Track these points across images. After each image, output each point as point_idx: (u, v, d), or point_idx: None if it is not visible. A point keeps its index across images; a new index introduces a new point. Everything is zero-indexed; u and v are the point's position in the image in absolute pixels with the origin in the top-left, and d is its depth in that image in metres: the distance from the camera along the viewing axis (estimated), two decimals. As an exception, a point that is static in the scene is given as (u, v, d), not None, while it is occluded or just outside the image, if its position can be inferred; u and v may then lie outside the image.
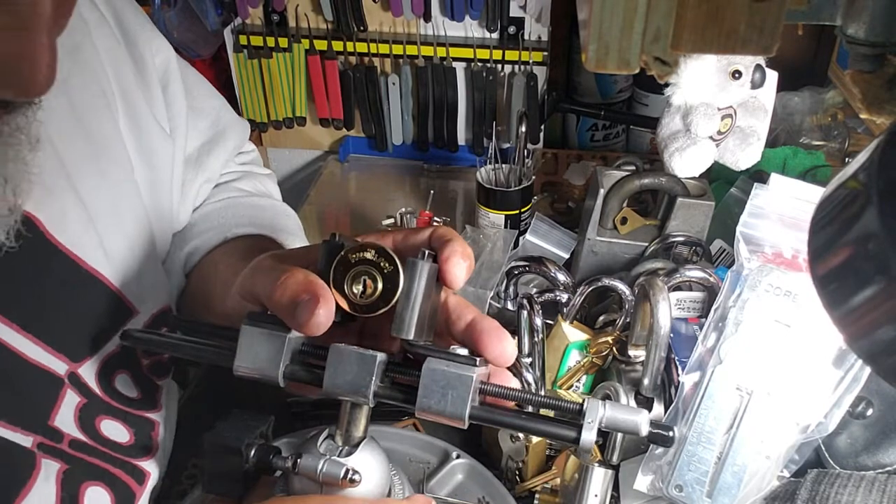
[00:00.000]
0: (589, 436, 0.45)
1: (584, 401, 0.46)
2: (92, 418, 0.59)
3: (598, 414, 0.46)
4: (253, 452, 0.50)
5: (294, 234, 0.79)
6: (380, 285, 0.48)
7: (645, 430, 0.46)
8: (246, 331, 0.48)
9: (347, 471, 0.47)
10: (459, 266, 0.49)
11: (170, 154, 0.72)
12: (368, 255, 0.48)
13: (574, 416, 0.46)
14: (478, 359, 0.47)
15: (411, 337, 0.47)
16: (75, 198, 0.58)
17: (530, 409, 0.50)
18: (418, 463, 0.72)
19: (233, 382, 0.52)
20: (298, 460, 0.48)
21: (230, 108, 0.85)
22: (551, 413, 0.49)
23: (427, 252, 0.47)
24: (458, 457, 0.71)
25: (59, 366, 0.57)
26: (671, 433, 0.46)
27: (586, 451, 0.46)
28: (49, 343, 0.56)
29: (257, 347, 0.48)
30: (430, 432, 0.76)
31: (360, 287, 0.48)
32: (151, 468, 0.64)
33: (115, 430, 0.61)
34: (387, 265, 0.47)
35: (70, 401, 0.58)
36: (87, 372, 0.59)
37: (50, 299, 0.56)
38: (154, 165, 0.69)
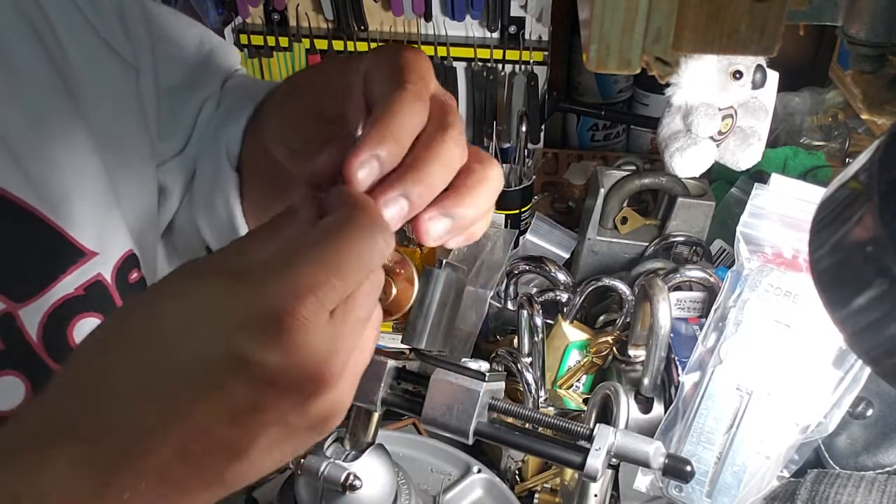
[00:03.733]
0: (594, 463, 0.44)
1: (595, 427, 0.45)
2: None
3: (608, 441, 0.44)
4: None
5: None
6: (394, 291, 0.48)
7: (657, 462, 0.44)
8: None
9: (349, 475, 0.47)
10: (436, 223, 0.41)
11: (132, 83, 0.66)
12: (384, 261, 0.48)
13: (584, 440, 0.45)
14: (488, 374, 0.46)
15: (423, 346, 0.46)
16: None
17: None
18: (439, 473, 0.72)
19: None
20: (302, 461, 0.48)
21: (212, 33, 0.79)
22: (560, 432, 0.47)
23: (445, 261, 0.46)
24: (479, 471, 0.70)
25: None
26: (689, 467, 0.43)
27: (591, 477, 0.44)
28: None
29: None
30: (453, 441, 0.74)
31: None
32: None
33: (4, 391, 0.56)
34: (402, 272, 0.47)
35: None
36: (31, 314, 0.56)
37: None
38: (114, 100, 0.64)
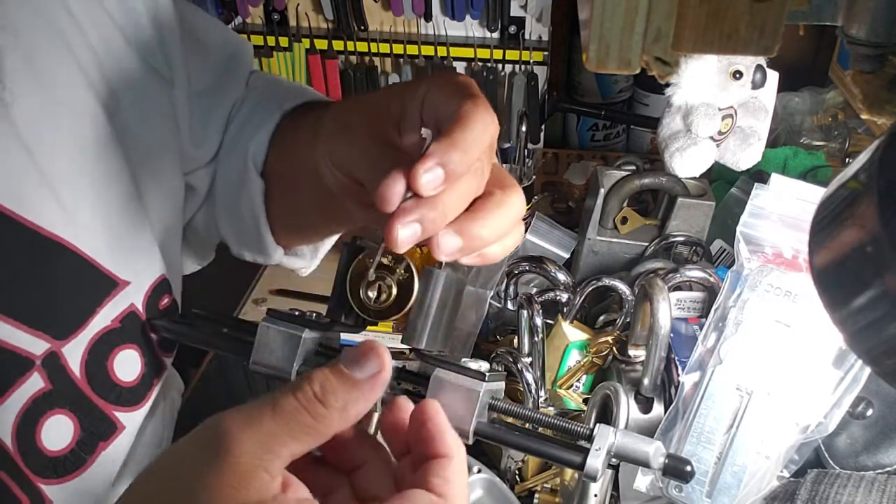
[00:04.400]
0: (594, 463, 0.44)
1: (595, 427, 0.45)
2: (39, 414, 0.55)
3: (608, 441, 0.44)
4: None
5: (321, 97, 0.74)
6: (395, 292, 0.48)
7: (657, 462, 0.43)
8: (263, 328, 0.49)
9: None
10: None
11: (166, 97, 0.66)
12: (385, 261, 0.48)
13: (584, 440, 0.45)
14: (488, 374, 0.46)
15: (422, 346, 0.47)
16: (27, 160, 0.53)
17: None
18: None
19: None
20: None
21: (231, 31, 0.78)
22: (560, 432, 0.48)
23: (444, 263, 0.46)
24: (479, 471, 0.70)
25: (37, 346, 0.54)
26: (689, 467, 0.43)
27: (591, 477, 0.44)
28: (24, 321, 0.53)
29: (273, 346, 0.48)
30: None
31: (376, 292, 0.48)
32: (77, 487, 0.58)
33: (56, 431, 0.56)
34: (402, 272, 0.47)
35: (26, 389, 0.54)
36: (73, 350, 0.56)
37: (13, 273, 0.53)
38: (146, 113, 0.63)
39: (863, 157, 0.33)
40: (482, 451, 0.83)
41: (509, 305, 0.98)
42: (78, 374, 0.57)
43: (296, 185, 0.66)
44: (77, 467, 0.58)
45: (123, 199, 0.60)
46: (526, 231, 1.13)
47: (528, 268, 0.94)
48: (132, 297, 0.60)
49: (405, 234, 0.41)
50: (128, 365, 0.60)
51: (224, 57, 0.74)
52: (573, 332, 0.88)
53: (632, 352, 0.83)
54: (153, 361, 0.63)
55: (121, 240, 0.60)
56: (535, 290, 0.97)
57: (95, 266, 0.57)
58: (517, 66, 1.46)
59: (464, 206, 0.44)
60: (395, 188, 0.42)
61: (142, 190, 0.62)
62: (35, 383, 0.54)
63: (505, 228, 0.46)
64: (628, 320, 0.86)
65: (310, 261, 0.79)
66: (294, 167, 0.65)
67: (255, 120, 0.70)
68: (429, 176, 0.41)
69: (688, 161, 0.91)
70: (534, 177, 1.17)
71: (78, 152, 0.57)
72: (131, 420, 0.61)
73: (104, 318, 0.58)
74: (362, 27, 1.47)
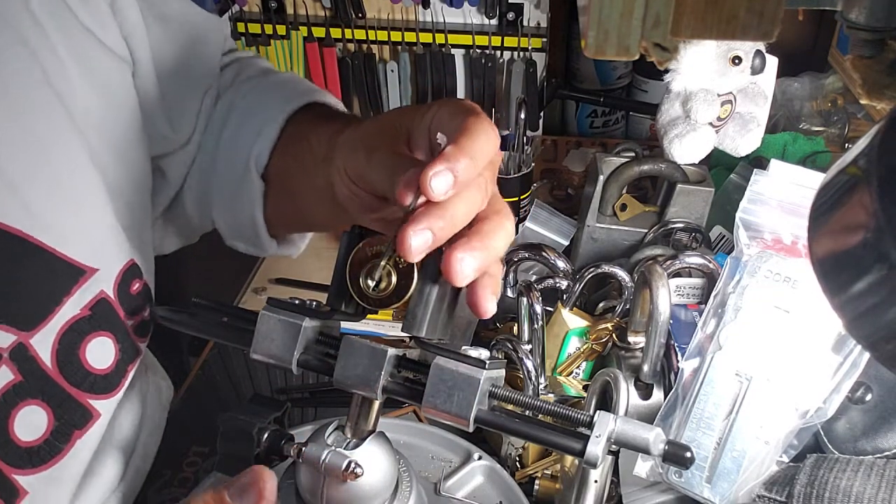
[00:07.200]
0: (595, 449, 0.44)
1: (595, 414, 0.45)
2: (11, 406, 0.56)
3: (608, 428, 0.44)
4: (265, 437, 0.50)
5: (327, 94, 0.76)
6: (394, 280, 0.48)
7: (657, 448, 0.44)
8: (264, 317, 0.49)
9: (350, 463, 0.47)
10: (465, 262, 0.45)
11: (129, 81, 0.66)
12: (385, 249, 0.48)
13: (584, 427, 0.45)
14: (488, 361, 0.46)
15: (423, 334, 0.47)
16: None
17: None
18: (440, 460, 0.72)
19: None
20: (304, 449, 0.48)
21: (196, 6, 0.76)
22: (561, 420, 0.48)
23: (443, 251, 0.46)
24: (479, 458, 0.71)
25: (4, 338, 0.54)
26: (688, 453, 0.43)
27: (591, 464, 0.44)
28: None
29: (273, 334, 0.49)
30: (453, 429, 0.74)
31: (375, 281, 0.48)
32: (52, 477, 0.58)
33: (29, 422, 0.57)
34: (403, 260, 0.47)
35: None
36: (42, 341, 0.57)
37: None
38: (108, 99, 0.64)
39: (862, 143, 0.33)
40: (483, 438, 0.84)
41: (509, 293, 0.98)
42: (49, 364, 0.57)
43: (299, 190, 0.68)
44: (52, 456, 0.58)
45: (86, 189, 0.61)
46: (525, 218, 1.13)
47: (527, 255, 0.94)
48: (101, 283, 0.61)
49: (418, 242, 0.43)
50: (101, 352, 0.61)
51: (192, 37, 0.74)
52: (573, 319, 0.88)
53: (631, 338, 0.83)
54: (127, 347, 0.63)
55: (85, 228, 0.60)
56: (534, 277, 0.97)
57: (59, 256, 0.58)
58: (515, 53, 1.46)
59: (470, 218, 0.46)
60: (415, 185, 0.44)
61: (107, 176, 0.63)
62: (5, 375, 0.55)
63: (502, 250, 0.48)
64: (628, 307, 0.86)
65: (299, 244, 0.81)
66: (298, 175, 0.67)
67: (255, 120, 0.71)
68: (438, 179, 0.43)
69: (687, 147, 0.91)
70: (532, 164, 1.16)
71: (38, 148, 0.57)
72: (106, 407, 0.62)
73: (73, 306, 0.59)
74: (360, 15, 1.47)
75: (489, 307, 0.48)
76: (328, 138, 0.64)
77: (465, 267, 0.45)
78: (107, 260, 0.62)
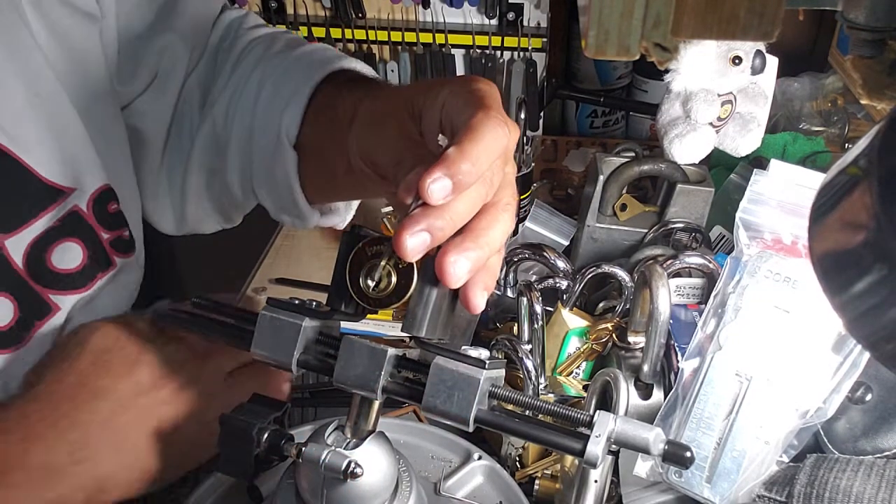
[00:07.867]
0: (594, 449, 0.44)
1: (595, 414, 0.45)
2: None
3: (608, 428, 0.44)
4: (265, 437, 0.50)
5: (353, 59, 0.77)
6: (394, 280, 0.48)
7: (657, 448, 0.44)
8: (264, 317, 0.49)
9: (350, 463, 0.47)
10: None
11: (95, 34, 0.71)
12: (384, 249, 0.48)
13: (584, 427, 0.45)
14: (488, 361, 0.46)
15: (422, 334, 0.47)
16: None
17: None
18: (440, 460, 0.72)
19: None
20: (304, 449, 0.48)
21: None
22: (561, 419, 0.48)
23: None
24: (479, 458, 0.71)
25: None
26: (688, 453, 0.44)
27: (591, 464, 0.45)
28: None
29: (273, 334, 0.49)
30: (453, 428, 0.75)
31: (375, 281, 0.48)
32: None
33: None
34: (402, 260, 0.47)
35: None
36: (16, 244, 0.62)
37: None
38: (72, 47, 0.68)
39: (862, 143, 0.33)
40: (483, 438, 0.84)
41: (509, 293, 0.98)
42: (20, 265, 0.63)
43: (330, 158, 0.69)
44: (16, 343, 0.64)
45: (62, 116, 0.66)
46: (525, 218, 1.13)
47: (527, 255, 0.94)
48: (76, 200, 0.66)
49: (414, 243, 0.43)
50: (68, 255, 0.66)
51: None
52: (573, 319, 0.88)
53: (631, 338, 0.83)
54: (98, 255, 0.69)
55: (63, 153, 0.66)
56: (534, 277, 0.97)
57: (40, 178, 0.64)
58: (516, 53, 1.46)
59: (471, 215, 0.46)
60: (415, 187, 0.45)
61: (81, 113, 0.68)
62: None
63: (500, 243, 0.48)
64: (628, 307, 0.86)
65: (344, 214, 0.82)
66: (329, 144, 0.69)
67: (284, 91, 0.73)
68: (436, 186, 0.43)
69: (687, 147, 0.91)
70: (533, 164, 1.16)
71: (11, 78, 0.62)
72: (66, 303, 0.66)
73: (48, 220, 0.64)
74: (360, 15, 1.47)
75: (479, 303, 0.47)
76: (352, 105, 0.65)
77: (457, 270, 0.45)
78: (83, 181, 0.67)
